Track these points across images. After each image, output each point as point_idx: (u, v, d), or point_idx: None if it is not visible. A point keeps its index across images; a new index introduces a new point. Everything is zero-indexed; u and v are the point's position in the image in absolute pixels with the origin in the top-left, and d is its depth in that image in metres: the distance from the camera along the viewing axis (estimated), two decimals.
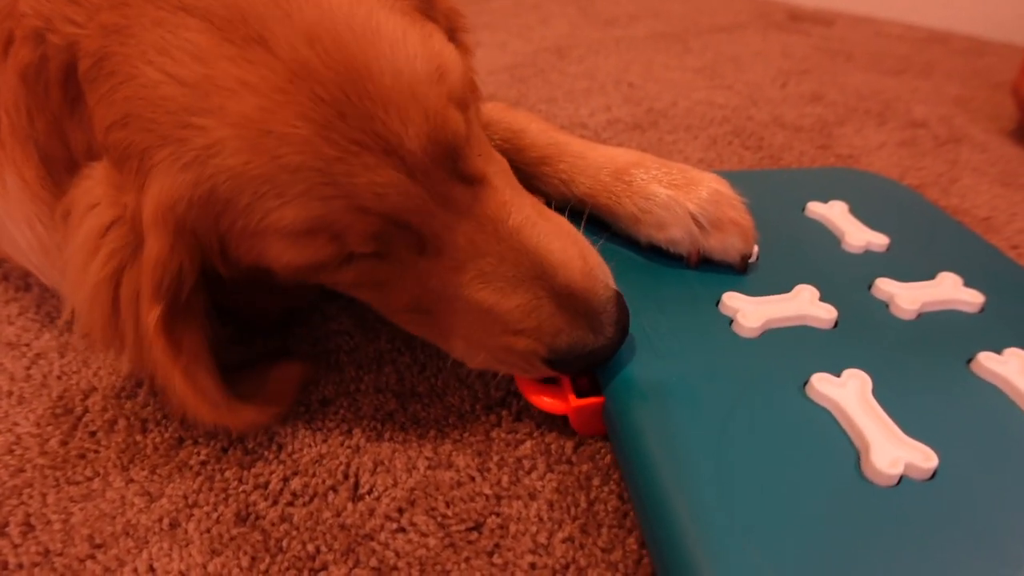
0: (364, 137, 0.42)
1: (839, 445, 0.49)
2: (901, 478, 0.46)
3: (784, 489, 0.45)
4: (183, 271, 0.47)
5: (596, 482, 0.53)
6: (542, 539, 0.49)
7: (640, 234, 0.65)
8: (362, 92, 0.42)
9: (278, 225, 0.43)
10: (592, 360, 0.51)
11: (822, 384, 0.52)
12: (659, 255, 0.65)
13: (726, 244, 0.63)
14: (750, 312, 0.58)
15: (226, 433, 0.56)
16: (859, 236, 0.71)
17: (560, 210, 0.55)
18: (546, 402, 0.55)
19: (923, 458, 0.47)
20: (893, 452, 0.47)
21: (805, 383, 0.53)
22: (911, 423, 0.49)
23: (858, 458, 0.48)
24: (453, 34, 0.56)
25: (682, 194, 0.63)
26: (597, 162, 0.67)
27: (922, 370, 0.55)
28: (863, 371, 0.53)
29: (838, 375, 0.53)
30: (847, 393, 0.52)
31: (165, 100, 0.42)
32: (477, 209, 0.48)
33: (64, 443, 0.56)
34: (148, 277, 0.46)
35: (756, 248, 0.64)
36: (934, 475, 0.47)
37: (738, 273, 0.64)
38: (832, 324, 0.59)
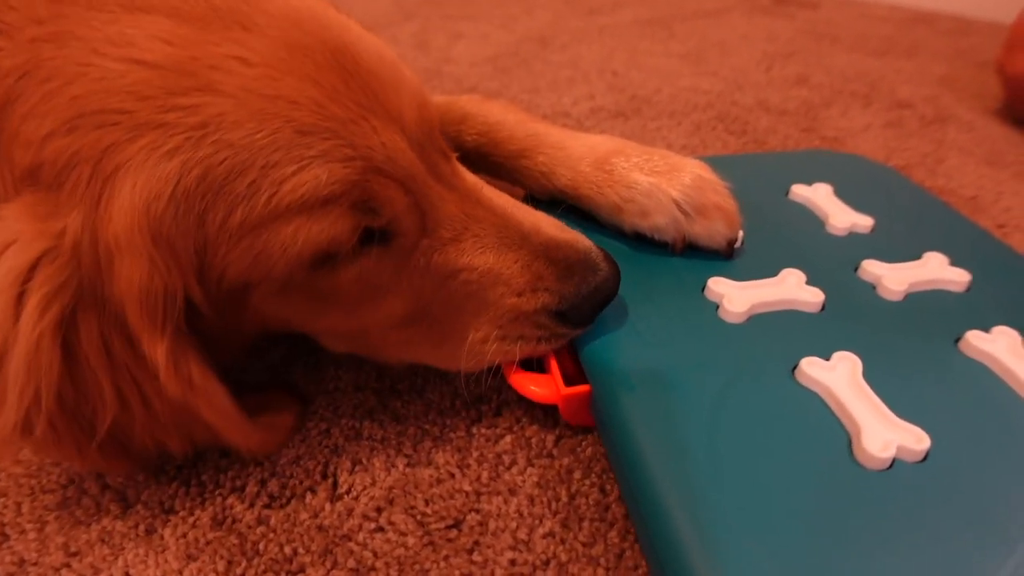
0: (369, 103, 0.42)
1: (830, 429, 0.48)
2: (894, 461, 0.46)
3: (776, 475, 0.45)
4: (170, 289, 0.40)
5: (577, 475, 0.53)
6: (522, 535, 0.49)
7: (624, 223, 0.64)
8: (356, 66, 0.43)
9: (295, 196, 0.39)
10: (600, 296, 0.52)
11: (812, 368, 0.52)
12: (643, 243, 0.64)
13: (711, 230, 0.62)
14: (736, 297, 0.58)
15: (260, 456, 0.54)
16: (843, 218, 0.70)
17: (539, 203, 0.55)
18: (535, 392, 0.54)
19: (915, 440, 0.46)
20: (885, 435, 0.47)
21: (794, 367, 0.52)
22: (902, 405, 0.49)
23: (850, 442, 0.47)
24: None
25: (664, 181, 0.62)
26: (577, 152, 0.66)
27: (911, 351, 0.55)
28: (852, 354, 0.53)
29: (827, 359, 0.53)
30: (837, 376, 0.51)
31: (136, 85, 0.38)
32: (458, 181, 0.49)
33: None
34: (136, 310, 0.39)
35: (741, 233, 0.64)
36: (926, 457, 0.46)
37: (724, 258, 0.64)
38: (819, 307, 0.59)
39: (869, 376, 0.51)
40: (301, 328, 0.52)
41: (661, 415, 0.49)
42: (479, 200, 0.50)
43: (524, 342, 0.52)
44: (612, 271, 0.52)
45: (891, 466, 0.46)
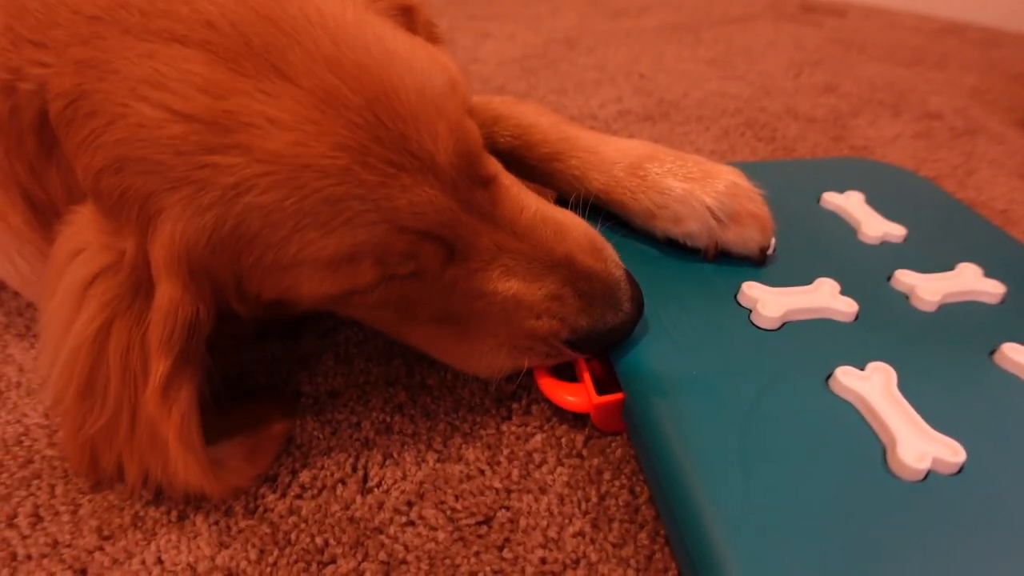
0: (400, 158, 0.42)
1: (864, 439, 0.48)
2: (928, 473, 0.45)
3: (809, 484, 0.45)
4: (199, 317, 0.44)
5: (607, 476, 0.53)
6: (552, 533, 0.49)
7: (656, 229, 0.64)
8: (393, 114, 0.42)
9: (319, 255, 0.42)
10: (612, 337, 0.53)
11: (847, 377, 0.51)
12: (675, 248, 0.64)
13: (744, 237, 0.62)
14: (770, 303, 0.57)
15: (204, 499, 0.51)
16: (876, 227, 0.70)
17: (568, 205, 0.55)
18: (569, 401, 0.54)
19: (951, 452, 0.46)
20: (920, 446, 0.46)
21: (828, 376, 0.52)
22: (937, 417, 0.48)
23: (884, 452, 0.47)
24: (432, 39, 0.56)
25: (698, 187, 0.62)
26: (610, 157, 0.66)
27: (945, 363, 0.55)
28: (887, 364, 0.53)
29: (861, 368, 0.52)
30: (871, 387, 0.51)
31: (173, 140, 0.40)
32: (496, 211, 0.48)
33: None
34: (158, 327, 0.43)
35: (773, 240, 0.64)
36: (961, 469, 0.46)
37: (756, 265, 0.63)
38: (853, 317, 0.58)
39: (904, 387, 0.51)
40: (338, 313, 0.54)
41: (694, 421, 0.48)
42: (514, 229, 0.49)
43: (533, 354, 0.53)
44: (632, 314, 0.52)
45: (926, 478, 0.45)
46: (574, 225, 0.53)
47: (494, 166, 0.50)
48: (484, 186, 0.48)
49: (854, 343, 0.55)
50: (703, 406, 0.49)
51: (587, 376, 0.54)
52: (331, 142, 0.40)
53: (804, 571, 0.40)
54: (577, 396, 0.54)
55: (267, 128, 0.39)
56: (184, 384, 0.45)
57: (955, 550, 0.41)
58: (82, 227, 0.44)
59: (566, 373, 0.56)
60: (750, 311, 0.58)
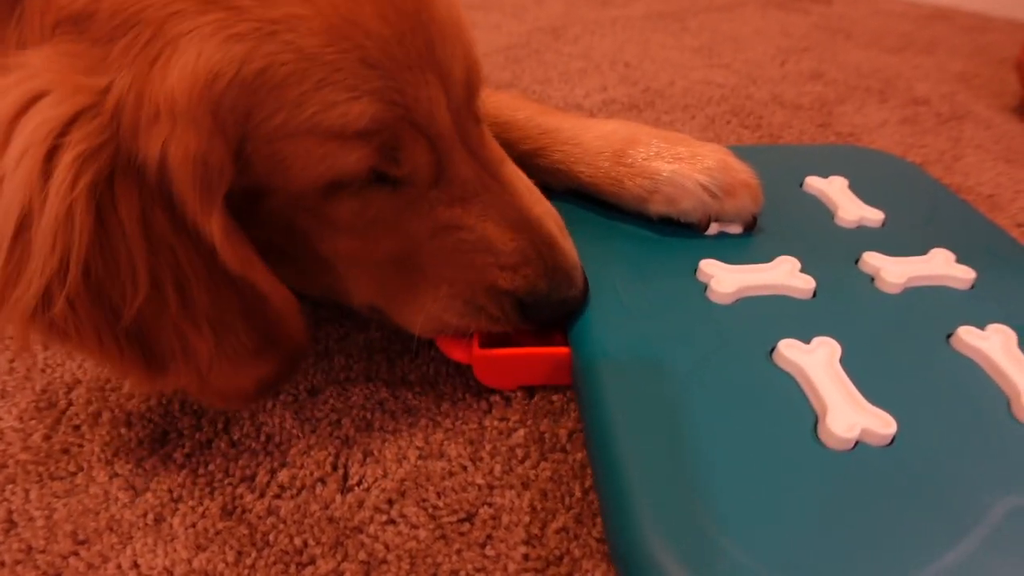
0: (429, 56, 0.43)
1: (798, 410, 0.48)
2: (857, 443, 0.46)
3: (740, 450, 0.45)
4: (222, 163, 0.38)
5: (590, 471, 0.52)
6: (535, 530, 0.48)
7: (650, 211, 0.64)
8: (426, 18, 0.43)
9: (337, 121, 0.40)
10: (564, 309, 0.54)
11: (789, 350, 0.52)
12: (641, 223, 0.65)
13: (739, 207, 0.63)
14: (725, 279, 0.58)
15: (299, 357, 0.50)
16: (853, 211, 0.70)
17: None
18: (455, 352, 0.56)
19: (881, 424, 0.46)
20: (851, 417, 0.47)
21: (773, 349, 0.52)
22: (876, 392, 0.49)
23: (815, 422, 0.47)
24: None
25: (688, 167, 0.62)
26: (594, 147, 0.65)
27: (898, 342, 0.55)
28: (833, 340, 0.53)
29: (807, 343, 0.52)
30: (814, 360, 0.51)
31: None
32: (483, 151, 0.50)
33: (47, 437, 0.55)
34: (187, 177, 0.37)
35: None
36: (892, 441, 0.46)
37: (746, 233, 0.65)
38: (810, 295, 0.59)
39: (847, 362, 0.51)
40: (297, 248, 0.49)
41: (633, 382, 0.50)
42: (497, 174, 0.50)
43: (482, 315, 0.52)
44: (583, 295, 0.54)
45: (854, 448, 0.46)
46: (545, 199, 0.54)
47: (483, 110, 0.52)
48: (477, 123, 0.50)
49: (806, 319, 0.56)
50: (644, 370, 0.51)
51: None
52: (377, 11, 0.40)
53: (727, 537, 0.40)
54: (464, 349, 0.55)
55: None
56: (242, 237, 0.41)
57: (880, 519, 0.41)
58: (38, 70, 0.36)
59: None
60: (706, 285, 0.58)
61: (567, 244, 0.53)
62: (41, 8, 0.38)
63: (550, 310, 0.53)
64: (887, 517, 0.41)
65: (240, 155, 0.40)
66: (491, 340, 0.56)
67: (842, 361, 0.51)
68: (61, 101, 0.35)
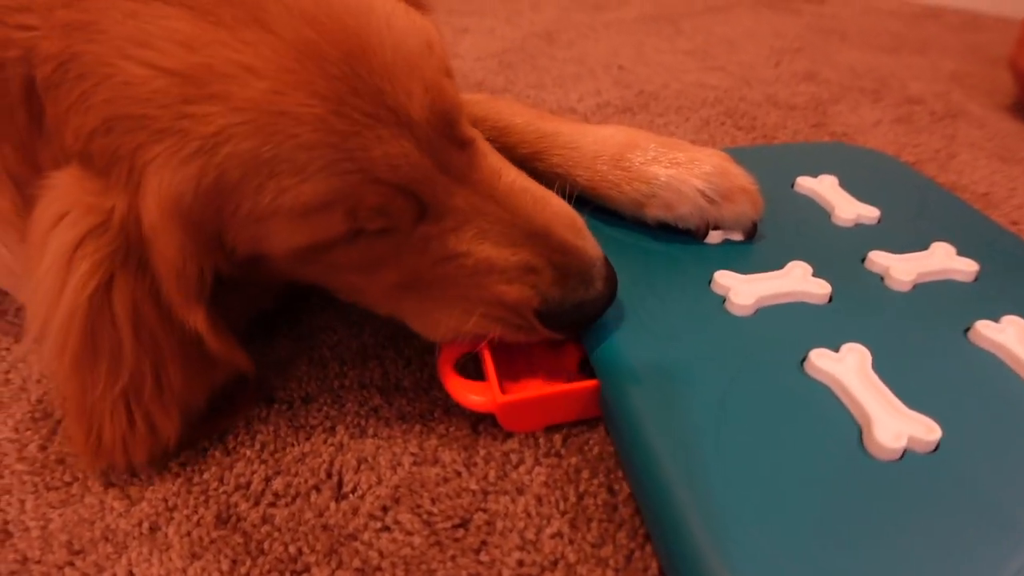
0: (376, 111, 0.43)
1: (840, 421, 0.48)
2: (905, 452, 0.45)
3: (785, 467, 0.44)
4: (202, 270, 0.45)
5: (585, 475, 0.52)
6: (530, 535, 0.48)
7: (647, 216, 0.64)
8: (369, 68, 0.42)
9: (294, 203, 0.42)
10: (583, 314, 0.52)
11: (821, 360, 0.51)
12: (662, 232, 0.65)
13: (738, 213, 0.63)
14: (742, 290, 0.57)
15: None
16: (849, 209, 0.70)
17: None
18: (473, 400, 0.54)
19: (926, 431, 0.46)
20: (896, 426, 0.46)
21: (803, 360, 0.52)
22: (912, 395, 0.48)
23: (860, 433, 0.47)
24: (418, 7, 0.56)
25: (685, 171, 0.62)
26: (591, 150, 0.65)
27: (920, 341, 0.54)
28: (861, 345, 0.52)
29: (836, 350, 0.52)
30: (846, 368, 0.51)
31: (156, 94, 0.40)
32: (473, 174, 0.49)
33: (43, 448, 0.55)
34: (172, 278, 0.44)
35: None
36: (937, 447, 0.46)
37: (746, 240, 0.64)
38: (827, 299, 0.58)
39: (878, 367, 0.51)
40: (311, 282, 0.54)
41: (669, 409, 0.48)
42: (492, 194, 0.49)
43: (503, 324, 0.52)
44: (605, 293, 0.52)
45: (902, 457, 0.45)
46: (555, 200, 0.53)
47: (472, 132, 0.51)
48: (461, 148, 0.49)
49: (829, 325, 0.55)
50: (678, 393, 0.49)
51: (492, 374, 0.54)
52: (307, 91, 0.41)
53: (781, 553, 0.39)
54: (482, 395, 0.53)
55: (244, 77, 0.40)
56: (222, 326, 0.48)
57: (931, 527, 0.41)
58: (64, 191, 0.44)
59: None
60: (724, 298, 0.58)
61: (581, 243, 0.52)
62: (58, 136, 0.45)
63: (568, 317, 0.52)
64: (944, 526, 0.41)
65: (224, 242, 0.46)
66: (504, 370, 0.55)
67: (873, 367, 0.51)
68: (78, 221, 0.43)
